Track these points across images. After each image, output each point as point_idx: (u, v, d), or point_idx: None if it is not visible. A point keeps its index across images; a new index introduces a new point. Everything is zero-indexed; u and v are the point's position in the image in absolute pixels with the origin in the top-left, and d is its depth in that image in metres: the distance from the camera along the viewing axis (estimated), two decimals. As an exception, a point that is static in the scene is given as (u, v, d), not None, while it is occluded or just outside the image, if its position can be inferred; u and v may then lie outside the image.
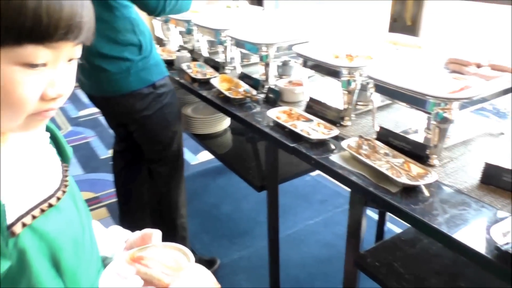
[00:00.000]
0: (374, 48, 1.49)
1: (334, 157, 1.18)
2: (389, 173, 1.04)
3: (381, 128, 1.23)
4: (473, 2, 1.81)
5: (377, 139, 1.21)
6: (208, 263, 2.02)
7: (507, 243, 0.76)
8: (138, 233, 0.76)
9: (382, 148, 1.16)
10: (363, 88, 1.36)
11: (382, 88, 1.18)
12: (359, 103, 1.46)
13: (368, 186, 1.04)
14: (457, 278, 1.13)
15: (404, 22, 2.11)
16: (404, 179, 1.02)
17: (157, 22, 2.43)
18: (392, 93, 1.16)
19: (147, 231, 0.75)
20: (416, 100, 1.10)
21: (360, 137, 1.21)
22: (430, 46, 1.50)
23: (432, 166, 1.11)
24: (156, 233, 0.74)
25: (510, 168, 0.99)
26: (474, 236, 0.86)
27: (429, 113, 1.09)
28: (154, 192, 1.84)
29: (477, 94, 1.05)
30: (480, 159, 1.11)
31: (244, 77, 1.75)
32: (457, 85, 1.12)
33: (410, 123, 1.35)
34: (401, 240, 1.28)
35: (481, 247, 0.82)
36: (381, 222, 1.97)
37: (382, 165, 1.08)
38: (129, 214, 1.98)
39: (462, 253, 0.85)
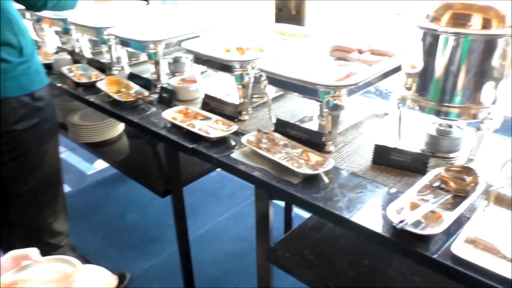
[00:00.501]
0: (264, 40, 1.49)
1: (235, 154, 1.16)
2: (289, 164, 1.05)
3: (278, 119, 1.23)
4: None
5: (275, 131, 1.21)
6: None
7: (401, 221, 0.81)
8: (4, 258, 0.67)
9: (281, 139, 1.17)
10: (257, 80, 1.35)
11: (275, 80, 1.18)
12: (254, 95, 1.45)
13: (271, 180, 1.04)
14: (362, 256, 1.19)
15: (289, 12, 2.17)
16: (304, 169, 1.03)
17: (28, 22, 2.17)
18: (285, 84, 1.17)
19: (17, 252, 0.68)
20: (307, 90, 1.11)
21: (259, 130, 1.20)
22: (317, 35, 1.55)
23: (329, 152, 1.14)
24: (32, 251, 0.67)
25: (396, 147, 1.06)
26: (372, 217, 0.89)
27: (320, 101, 1.12)
28: (18, 219, 1.54)
29: (362, 79, 1.10)
30: (370, 140, 1.18)
31: (134, 77, 1.64)
32: (343, 72, 1.16)
33: (305, 111, 1.39)
34: (307, 227, 1.31)
35: (379, 227, 0.86)
36: (288, 209, 2.02)
37: (282, 157, 1.09)
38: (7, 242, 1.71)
39: (364, 235, 0.89)
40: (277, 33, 1.62)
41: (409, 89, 1.05)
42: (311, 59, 1.29)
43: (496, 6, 0.90)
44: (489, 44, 0.90)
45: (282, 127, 1.21)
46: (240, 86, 1.31)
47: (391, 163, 1.06)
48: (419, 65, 1.00)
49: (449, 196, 0.92)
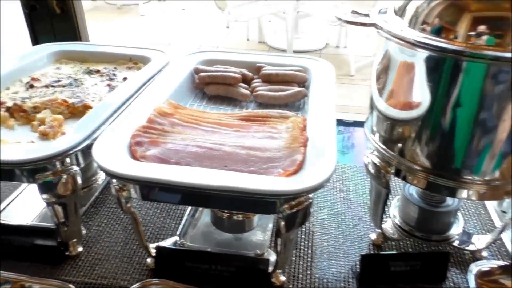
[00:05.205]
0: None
1: None
2: None
3: (161, 248, 0.62)
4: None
5: (157, 274, 0.60)
6: None
7: None
8: None
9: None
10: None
11: (154, 192, 0.55)
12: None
13: None
14: None
15: (50, 10, 1.38)
16: None
17: None
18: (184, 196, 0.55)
19: None
20: (234, 203, 0.54)
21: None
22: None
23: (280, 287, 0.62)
24: None
25: (384, 250, 0.63)
26: None
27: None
28: None
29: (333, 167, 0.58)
30: (328, 237, 0.70)
31: None
32: (265, 140, 0.63)
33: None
34: None
35: None
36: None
37: None
38: None
39: None
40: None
41: (392, 144, 0.60)
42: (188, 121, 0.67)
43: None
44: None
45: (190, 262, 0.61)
46: (58, 206, 0.61)
47: (391, 278, 0.63)
48: (421, 101, 0.55)
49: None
